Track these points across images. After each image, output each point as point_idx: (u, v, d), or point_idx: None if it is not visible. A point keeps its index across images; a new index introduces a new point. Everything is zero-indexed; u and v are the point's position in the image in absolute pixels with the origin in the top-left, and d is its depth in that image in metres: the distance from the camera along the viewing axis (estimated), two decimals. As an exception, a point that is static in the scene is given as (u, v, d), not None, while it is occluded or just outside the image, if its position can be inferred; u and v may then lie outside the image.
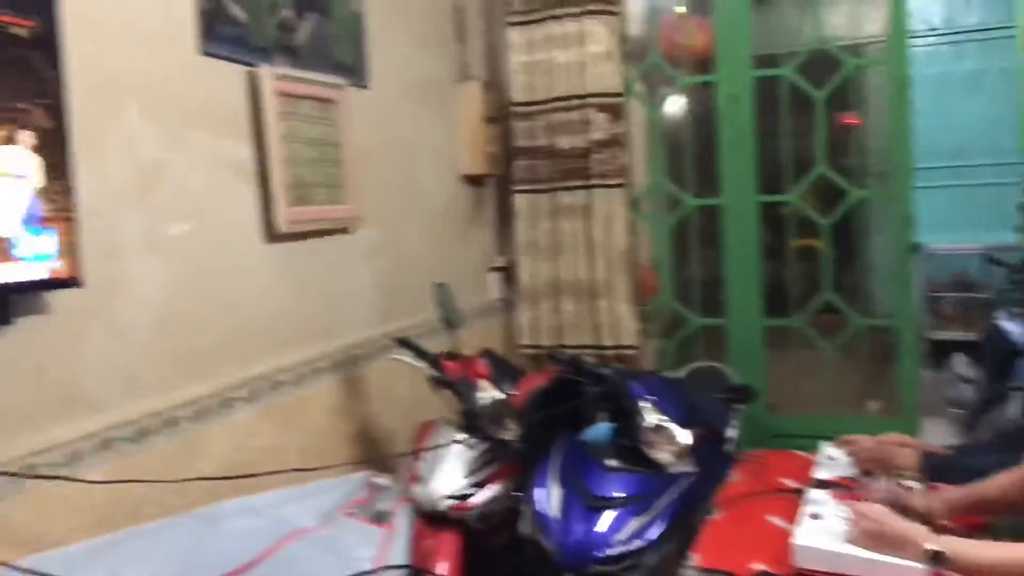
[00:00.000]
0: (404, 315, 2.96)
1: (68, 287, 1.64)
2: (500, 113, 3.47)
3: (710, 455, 2.28)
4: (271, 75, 2.30)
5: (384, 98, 2.93)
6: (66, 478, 1.64)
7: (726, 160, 3.27)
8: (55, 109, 1.58)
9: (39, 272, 1.55)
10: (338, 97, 2.61)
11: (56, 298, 1.69)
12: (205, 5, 2.12)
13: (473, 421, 2.36)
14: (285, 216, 2.34)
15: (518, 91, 3.38)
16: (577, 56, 3.25)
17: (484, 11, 3.56)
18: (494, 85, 3.52)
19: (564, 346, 3.29)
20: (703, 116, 3.46)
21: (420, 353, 2.54)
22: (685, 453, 2.19)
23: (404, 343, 2.58)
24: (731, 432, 2.56)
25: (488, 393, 2.42)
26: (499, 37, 3.49)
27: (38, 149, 1.54)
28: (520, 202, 3.42)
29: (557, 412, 2.33)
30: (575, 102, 3.28)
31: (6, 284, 1.49)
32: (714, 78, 3.27)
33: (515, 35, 3.35)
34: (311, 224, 2.48)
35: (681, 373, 3.13)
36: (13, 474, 1.56)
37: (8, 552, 1.46)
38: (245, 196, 2.28)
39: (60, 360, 1.73)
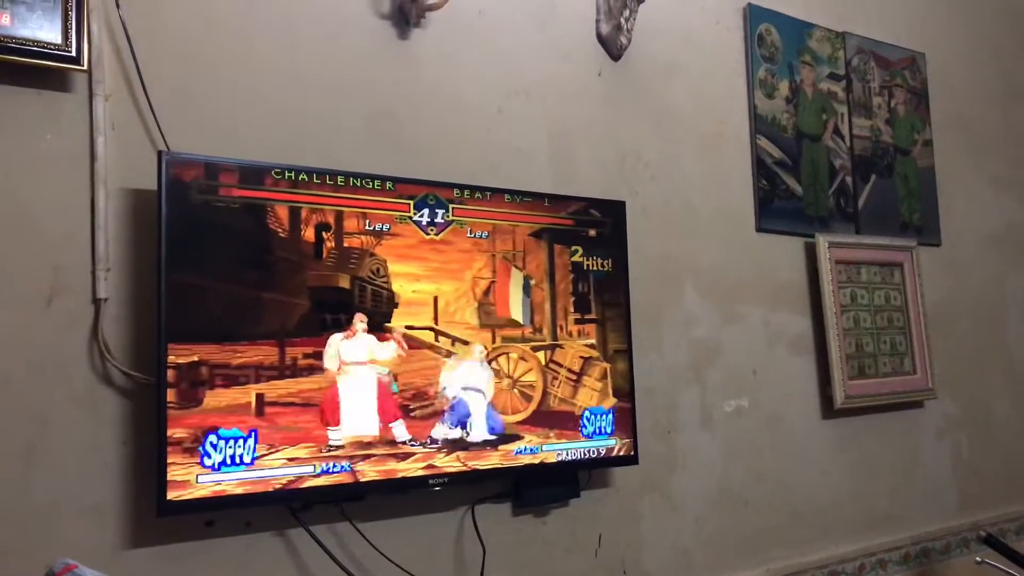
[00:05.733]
0: (991, 504, 2.52)
1: (626, 464, 1.74)
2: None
3: None
4: (828, 244, 2.24)
5: (958, 254, 2.63)
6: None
7: None
8: (622, 305, 1.76)
9: (601, 450, 1.69)
10: (903, 259, 2.42)
11: (615, 473, 1.81)
12: (764, 184, 2.17)
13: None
14: (844, 389, 2.20)
15: None
16: None
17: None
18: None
19: None
20: None
21: (1014, 558, 2.10)
22: None
23: (992, 543, 2.15)
24: None
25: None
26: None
27: (602, 334, 1.71)
28: None
29: None
30: None
31: (576, 460, 1.66)
32: None
33: None
34: (873, 397, 2.28)
35: None
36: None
37: None
38: (800, 369, 2.20)
39: (617, 531, 1.82)
